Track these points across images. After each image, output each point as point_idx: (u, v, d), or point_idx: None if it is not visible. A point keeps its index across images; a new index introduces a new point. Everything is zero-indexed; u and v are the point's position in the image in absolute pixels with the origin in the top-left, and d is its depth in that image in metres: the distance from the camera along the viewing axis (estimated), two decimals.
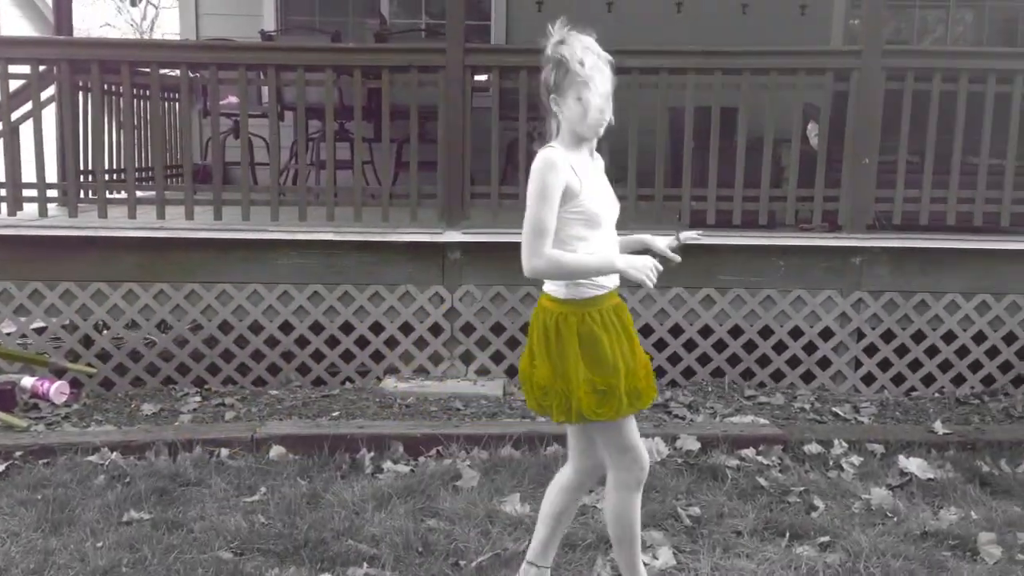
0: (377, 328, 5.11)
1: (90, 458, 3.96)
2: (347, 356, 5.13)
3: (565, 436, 4.16)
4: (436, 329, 5.12)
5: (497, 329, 5.13)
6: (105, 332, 5.17)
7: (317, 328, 5.09)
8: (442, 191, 5.13)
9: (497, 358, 5.15)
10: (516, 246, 5.35)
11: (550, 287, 2.61)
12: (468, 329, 5.12)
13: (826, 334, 5.15)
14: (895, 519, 3.51)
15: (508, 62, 5.19)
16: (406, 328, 5.11)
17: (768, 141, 5.08)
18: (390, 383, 5.01)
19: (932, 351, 5.15)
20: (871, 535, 3.33)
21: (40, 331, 5.18)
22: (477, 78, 5.32)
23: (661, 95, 5.08)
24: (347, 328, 5.10)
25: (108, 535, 3.29)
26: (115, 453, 3.99)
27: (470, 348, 5.14)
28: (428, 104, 5.23)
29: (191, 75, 5.25)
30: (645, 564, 3.10)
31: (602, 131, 2.53)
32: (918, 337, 5.14)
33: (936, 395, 5.11)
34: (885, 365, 5.16)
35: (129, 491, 3.65)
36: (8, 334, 5.15)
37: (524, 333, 5.12)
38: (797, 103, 5.14)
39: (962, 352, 5.14)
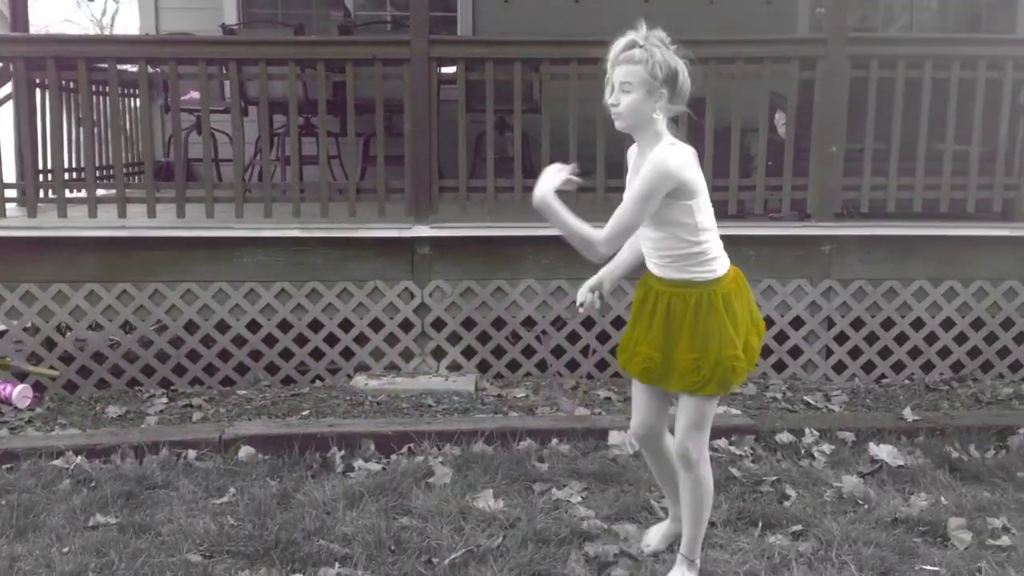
0: (346, 325, 5.05)
1: (55, 462, 3.88)
2: (316, 354, 5.07)
3: (537, 431, 4.17)
4: (406, 325, 5.07)
5: (468, 324, 5.10)
6: (68, 334, 5.07)
7: (285, 326, 5.03)
8: (410, 185, 5.08)
9: (468, 353, 5.12)
10: (486, 240, 5.36)
11: None
12: (439, 325, 5.08)
13: (797, 323, 5.17)
14: (866, 506, 3.53)
15: (474, 54, 5.15)
16: (376, 324, 5.06)
17: (736, 131, 5.08)
18: (360, 381, 4.96)
19: (901, 338, 5.18)
20: (843, 523, 3.34)
21: (0, 334, 5.07)
22: (443, 70, 5.28)
23: None
24: (316, 326, 5.05)
25: (74, 540, 3.22)
26: (80, 457, 3.91)
27: (441, 344, 5.10)
28: (394, 97, 5.16)
29: (150, 70, 5.15)
30: (616, 556, 3.11)
31: (616, 122, 2.75)
32: (887, 324, 5.18)
33: (906, 382, 5.15)
34: (855, 353, 5.20)
35: (95, 495, 3.58)
36: None
37: (495, 327, 5.11)
38: (764, 92, 5.14)
39: (931, 339, 5.19)
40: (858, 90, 5.06)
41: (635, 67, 2.64)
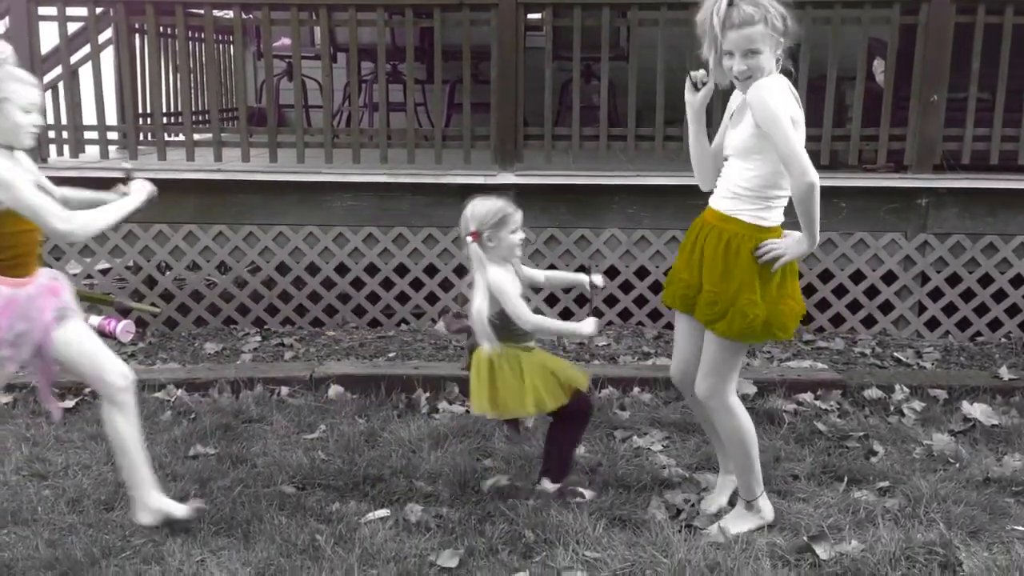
0: (431, 270, 5.13)
1: (156, 395, 4.07)
2: (402, 298, 5.17)
3: (619, 379, 4.19)
4: None
5: None
6: (167, 273, 5.28)
7: (372, 270, 5.13)
8: (495, 133, 5.08)
9: (551, 300, 5.15)
10: (570, 188, 5.32)
11: None
12: None
13: (889, 278, 5.04)
14: (957, 465, 3.46)
15: None
16: (460, 271, 5.12)
17: (831, 78, 4.91)
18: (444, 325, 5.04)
19: (1000, 295, 5.01)
20: (932, 480, 3.29)
21: (105, 272, 5.30)
22: (530, 16, 5.22)
23: None
24: (402, 270, 5.13)
25: (176, 468, 3.39)
26: (180, 390, 4.10)
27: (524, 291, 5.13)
28: (481, 44, 5.15)
29: (244, 16, 5.23)
30: (691, 505, 3.12)
31: (740, 87, 2.74)
32: (985, 281, 5.01)
33: (1003, 340, 4.99)
34: (950, 309, 5.04)
35: (195, 427, 3.76)
36: (74, 274, 5.28)
37: None
38: (862, 38, 4.95)
39: None
40: (962, 36, 4.83)
41: (754, 28, 2.59)
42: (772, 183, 2.72)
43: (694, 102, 2.87)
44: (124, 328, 4.89)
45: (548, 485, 3.17)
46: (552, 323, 3.07)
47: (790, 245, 2.71)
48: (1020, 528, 3.00)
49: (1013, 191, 4.93)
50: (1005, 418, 3.87)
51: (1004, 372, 4.26)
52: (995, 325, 5.04)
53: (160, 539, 2.89)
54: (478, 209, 3.03)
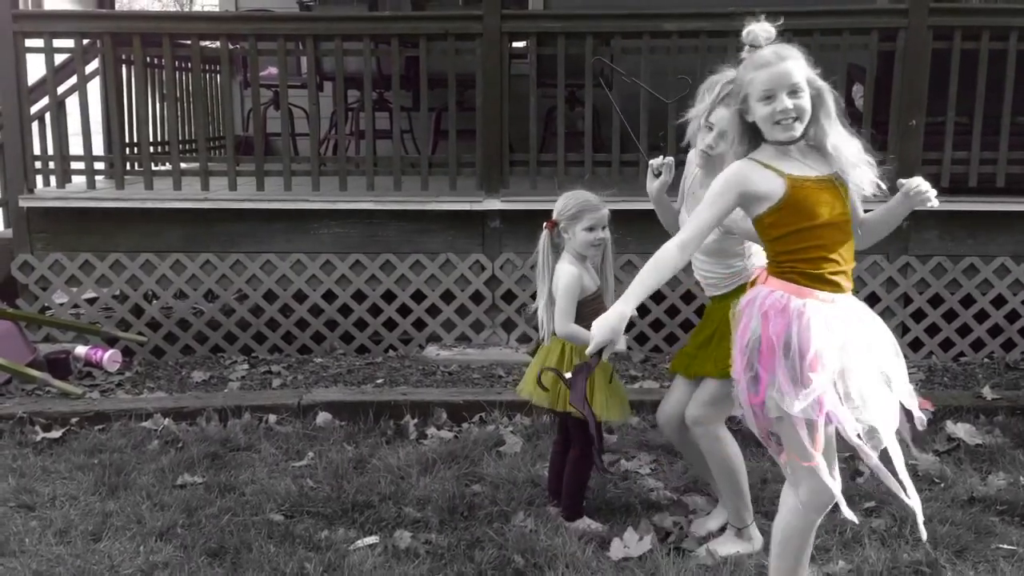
0: (419, 296, 5.14)
1: (144, 424, 4.06)
2: (390, 324, 5.18)
3: None
4: (477, 297, 5.14)
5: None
6: (154, 302, 5.28)
7: (360, 297, 5.14)
8: (481, 159, 5.13)
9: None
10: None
11: None
12: (509, 297, 5.14)
13: (872, 299, 5.08)
14: (942, 484, 3.49)
15: (546, 28, 5.15)
16: (447, 296, 5.14)
17: None
18: (432, 351, 5.05)
19: (981, 316, 5.06)
20: None
21: (91, 301, 5.30)
22: (515, 45, 5.29)
23: (701, 59, 5.00)
24: (389, 297, 5.15)
25: (163, 498, 3.38)
26: (168, 419, 4.09)
27: (511, 316, 5.16)
28: (466, 72, 5.21)
29: (231, 47, 5.28)
30: (679, 527, 3.14)
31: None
32: (967, 302, 5.06)
33: (985, 360, 5.04)
34: (933, 330, 5.09)
35: (182, 456, 3.74)
36: (61, 304, 5.27)
37: None
38: (842, 64, 5.04)
39: (1012, 317, 5.05)
40: (940, 62, 4.92)
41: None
42: (739, 258, 2.87)
43: (652, 191, 2.97)
44: (111, 357, 4.92)
45: (562, 520, 3.17)
46: (584, 333, 3.00)
47: None
48: (1005, 547, 3.02)
49: (992, 213, 5.00)
50: (989, 437, 3.90)
51: (987, 392, 4.30)
52: (978, 345, 5.10)
53: (147, 569, 2.88)
54: (562, 200, 3.04)
